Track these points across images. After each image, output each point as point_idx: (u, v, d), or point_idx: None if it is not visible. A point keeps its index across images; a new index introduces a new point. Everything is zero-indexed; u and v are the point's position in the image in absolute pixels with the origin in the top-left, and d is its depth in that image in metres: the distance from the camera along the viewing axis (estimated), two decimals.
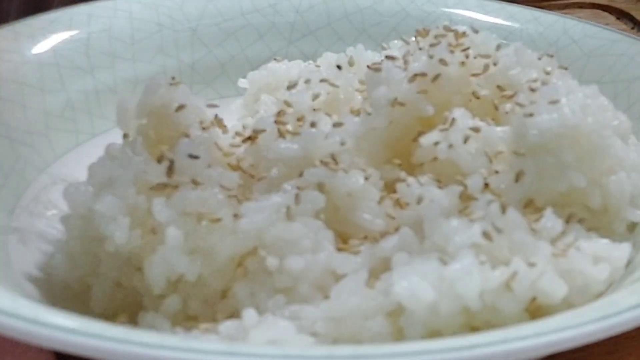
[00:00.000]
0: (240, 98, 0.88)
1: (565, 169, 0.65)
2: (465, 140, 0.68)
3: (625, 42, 0.89)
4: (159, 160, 0.64)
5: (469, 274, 0.57)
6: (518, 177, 0.66)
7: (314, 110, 0.72)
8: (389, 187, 0.68)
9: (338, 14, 0.99)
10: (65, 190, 0.67)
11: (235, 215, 0.61)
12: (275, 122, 0.71)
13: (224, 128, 0.73)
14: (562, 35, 0.92)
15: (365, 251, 0.62)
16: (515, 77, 0.72)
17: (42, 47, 0.86)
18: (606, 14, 1.21)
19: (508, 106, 0.70)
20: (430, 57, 0.71)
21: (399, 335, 0.58)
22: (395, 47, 0.78)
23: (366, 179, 0.66)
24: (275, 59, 0.88)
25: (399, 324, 0.58)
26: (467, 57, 0.72)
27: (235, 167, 0.68)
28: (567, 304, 0.59)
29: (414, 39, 0.77)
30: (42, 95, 0.83)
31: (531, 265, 0.58)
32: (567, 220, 0.65)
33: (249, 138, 0.71)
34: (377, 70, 0.72)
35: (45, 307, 0.59)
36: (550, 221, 0.63)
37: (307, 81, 0.77)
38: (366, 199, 0.66)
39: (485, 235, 0.60)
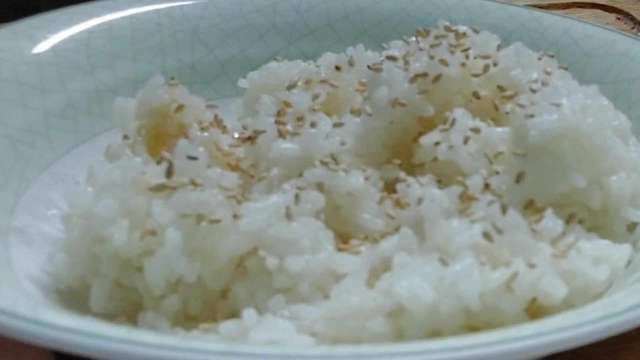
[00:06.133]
0: (240, 98, 0.88)
1: (566, 169, 0.65)
2: (466, 140, 0.68)
3: (625, 42, 0.89)
4: (158, 161, 0.64)
5: (470, 274, 0.57)
6: (518, 177, 0.66)
7: (314, 110, 0.72)
8: (389, 187, 0.68)
9: (338, 14, 0.98)
10: (65, 190, 0.67)
11: (235, 216, 0.61)
12: (275, 122, 0.71)
13: (223, 128, 0.73)
14: (563, 35, 0.92)
15: (365, 251, 0.62)
16: (515, 78, 0.72)
17: (42, 47, 0.86)
18: (606, 14, 1.20)
19: (508, 107, 0.70)
20: (431, 57, 0.71)
21: (399, 336, 0.58)
22: (396, 47, 0.78)
23: (366, 179, 0.66)
24: (275, 59, 0.87)
25: (399, 324, 0.58)
26: (467, 57, 0.72)
27: (235, 167, 0.68)
28: (567, 305, 0.59)
29: (414, 39, 0.77)
30: (43, 95, 0.82)
31: (531, 266, 0.58)
32: (568, 221, 0.65)
33: (249, 138, 0.71)
34: (378, 70, 0.72)
35: (45, 307, 0.59)
36: (551, 222, 0.63)
37: (308, 81, 0.77)
38: (366, 199, 0.66)
39: (486, 235, 0.60)
